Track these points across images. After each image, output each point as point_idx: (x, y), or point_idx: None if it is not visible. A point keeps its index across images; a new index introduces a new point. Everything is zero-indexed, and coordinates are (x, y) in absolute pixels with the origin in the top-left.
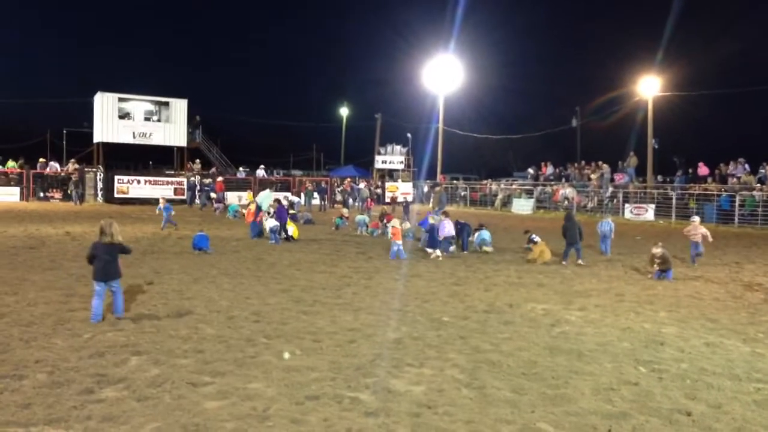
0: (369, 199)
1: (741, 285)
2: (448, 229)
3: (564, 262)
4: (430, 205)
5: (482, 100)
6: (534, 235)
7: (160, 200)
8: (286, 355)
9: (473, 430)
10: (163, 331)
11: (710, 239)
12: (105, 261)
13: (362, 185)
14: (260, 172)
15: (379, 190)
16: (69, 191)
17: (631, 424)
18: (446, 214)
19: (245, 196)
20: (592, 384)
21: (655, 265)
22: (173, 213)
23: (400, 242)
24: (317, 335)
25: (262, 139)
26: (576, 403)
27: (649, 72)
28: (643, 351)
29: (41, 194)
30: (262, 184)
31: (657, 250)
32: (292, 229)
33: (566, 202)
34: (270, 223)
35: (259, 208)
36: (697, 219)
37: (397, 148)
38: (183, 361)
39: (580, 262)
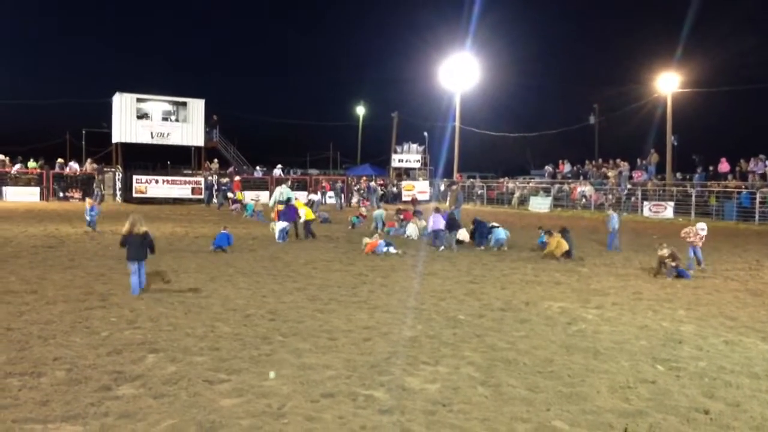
0: (363, 199)
1: (761, 283)
2: (437, 223)
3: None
4: (447, 203)
5: (499, 98)
6: (549, 230)
7: (87, 202)
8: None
9: (488, 428)
10: (179, 329)
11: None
12: (136, 246)
13: (372, 183)
14: (277, 171)
15: (394, 189)
16: (94, 187)
17: (648, 422)
18: (438, 209)
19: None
20: (609, 382)
21: (668, 266)
22: (96, 216)
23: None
24: (332, 333)
25: (279, 139)
26: (592, 401)
27: (668, 68)
28: (660, 349)
29: (61, 194)
30: (279, 183)
31: (664, 251)
32: (304, 211)
33: (584, 200)
34: (280, 224)
35: (287, 203)
36: (701, 226)
37: (414, 146)
38: (199, 358)
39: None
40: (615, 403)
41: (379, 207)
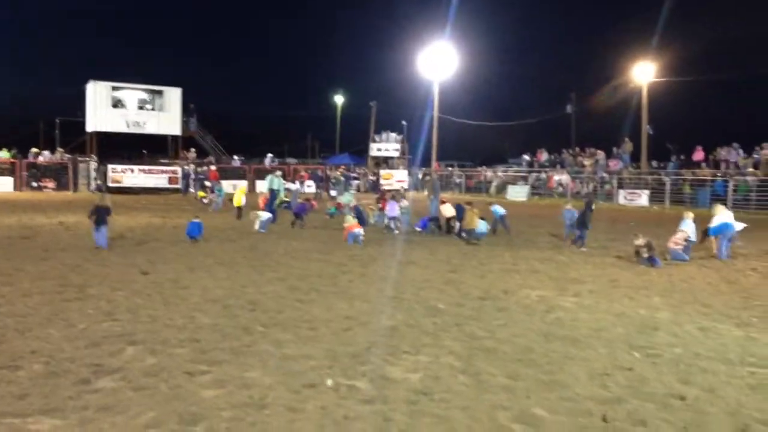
0: (311, 200)
1: (734, 270)
2: (393, 210)
3: (584, 249)
4: (426, 192)
5: (477, 87)
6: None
7: None
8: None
9: (469, 416)
10: (158, 320)
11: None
12: (100, 214)
13: (338, 173)
14: (267, 160)
15: (372, 178)
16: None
17: (626, 408)
18: (394, 197)
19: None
20: (587, 369)
21: (643, 255)
22: None
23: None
24: (313, 323)
25: (257, 128)
26: (571, 388)
27: (644, 57)
28: (637, 336)
29: (34, 184)
30: (262, 172)
31: (640, 241)
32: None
33: (560, 189)
34: (264, 215)
35: (272, 193)
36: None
37: (392, 135)
38: (179, 350)
39: (584, 249)
40: (593, 390)
41: (341, 194)
